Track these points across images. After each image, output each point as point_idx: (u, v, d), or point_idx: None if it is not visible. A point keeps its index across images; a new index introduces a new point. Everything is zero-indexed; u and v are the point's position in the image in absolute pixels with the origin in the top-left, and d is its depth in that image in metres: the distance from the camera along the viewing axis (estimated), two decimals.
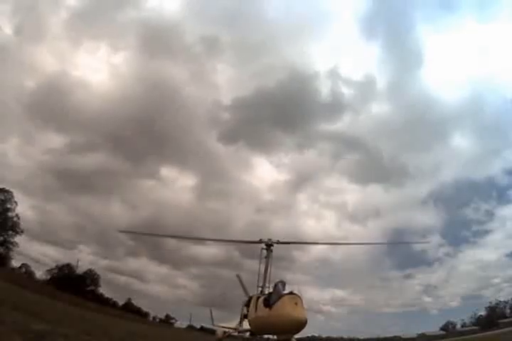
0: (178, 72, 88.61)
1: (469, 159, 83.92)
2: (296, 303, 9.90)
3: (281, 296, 10.41)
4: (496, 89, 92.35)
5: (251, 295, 14.05)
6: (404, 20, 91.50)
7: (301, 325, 9.88)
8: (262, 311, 11.17)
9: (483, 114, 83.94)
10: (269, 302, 10.91)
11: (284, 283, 11.36)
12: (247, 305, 13.35)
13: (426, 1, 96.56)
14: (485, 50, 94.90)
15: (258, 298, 12.42)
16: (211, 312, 21.80)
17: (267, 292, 12.82)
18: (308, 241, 15.18)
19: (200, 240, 17.24)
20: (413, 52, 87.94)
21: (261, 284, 13.44)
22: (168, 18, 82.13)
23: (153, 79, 79.75)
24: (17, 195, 43.76)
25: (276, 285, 11.25)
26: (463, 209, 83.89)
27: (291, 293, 10.37)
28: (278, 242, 14.17)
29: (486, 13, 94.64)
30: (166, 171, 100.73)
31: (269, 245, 14.00)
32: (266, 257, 13.92)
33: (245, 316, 13.50)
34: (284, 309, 9.96)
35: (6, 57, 67.65)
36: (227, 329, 16.16)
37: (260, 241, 14.16)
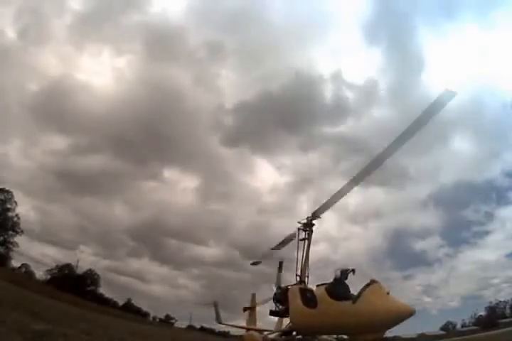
0: (182, 75, 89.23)
1: (469, 161, 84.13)
2: (388, 293, 8.32)
3: (368, 285, 8.48)
4: (495, 93, 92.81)
5: (284, 285, 11.83)
6: (406, 25, 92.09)
7: (406, 318, 8.04)
8: (332, 305, 8.91)
9: (482, 118, 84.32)
10: (339, 293, 8.99)
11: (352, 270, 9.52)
12: (281, 299, 11.27)
13: (427, 7, 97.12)
14: (485, 55, 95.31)
15: (304, 290, 10.31)
16: (216, 308, 18.34)
17: (307, 282, 10.96)
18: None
19: None
20: (415, 57, 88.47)
21: (299, 272, 11.16)
22: (172, 23, 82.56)
23: (157, 83, 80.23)
24: (20, 196, 44.29)
25: (342, 273, 9.42)
26: (463, 211, 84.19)
27: (374, 281, 8.59)
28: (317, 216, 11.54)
29: (486, 18, 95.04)
30: (169, 173, 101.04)
31: (307, 224, 11.63)
32: (304, 239, 11.55)
33: (274, 313, 11.69)
34: (384, 301, 8.09)
35: (9, 60, 68.00)
36: (257, 333, 13.30)
37: (298, 223, 11.78)
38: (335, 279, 9.56)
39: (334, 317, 8.78)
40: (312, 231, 11.64)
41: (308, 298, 10.01)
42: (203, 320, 63.40)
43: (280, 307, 11.56)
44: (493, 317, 48.78)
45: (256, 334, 13.00)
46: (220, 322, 17.81)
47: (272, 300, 12.01)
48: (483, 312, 54.17)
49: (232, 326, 16.49)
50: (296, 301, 10.18)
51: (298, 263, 11.26)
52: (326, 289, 9.42)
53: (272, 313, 11.93)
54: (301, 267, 11.20)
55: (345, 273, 9.47)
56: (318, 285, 10.09)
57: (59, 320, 10.37)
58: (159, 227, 77.49)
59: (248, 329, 14.79)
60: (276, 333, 12.05)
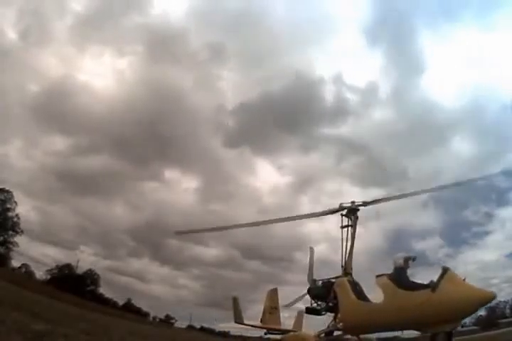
0: (183, 77, 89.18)
1: (469, 163, 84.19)
2: (464, 279, 8.02)
3: (444, 273, 8.06)
4: (495, 95, 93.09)
5: (319, 279, 11.01)
6: (407, 28, 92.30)
7: (489, 303, 7.91)
8: (406, 296, 8.13)
9: (482, 120, 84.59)
10: (408, 283, 8.41)
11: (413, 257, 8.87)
12: (321, 294, 10.35)
13: (428, 9, 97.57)
14: (485, 57, 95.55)
15: (354, 283, 9.64)
16: (236, 304, 14.01)
17: (353, 273, 10.34)
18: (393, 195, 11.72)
19: (273, 222, 12.95)
20: (415, 60, 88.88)
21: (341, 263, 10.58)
22: (174, 25, 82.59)
23: (158, 84, 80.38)
24: (21, 196, 44.29)
25: (405, 261, 8.82)
26: (463, 212, 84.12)
27: (447, 268, 8.18)
28: (364, 203, 11.07)
29: (486, 21, 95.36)
30: (170, 174, 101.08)
31: (352, 210, 11.02)
32: (348, 226, 10.82)
33: (312, 311, 10.64)
34: (465, 287, 7.76)
35: (10, 61, 68.02)
36: (308, 333, 11.36)
37: (341, 208, 11.14)
38: (397, 268, 8.81)
39: (408, 310, 7.98)
40: (357, 217, 10.89)
41: (360, 291, 9.39)
42: (203, 320, 63.56)
43: (319, 303, 10.58)
44: (493, 317, 48.73)
45: (306, 334, 11.15)
46: (240, 322, 14.04)
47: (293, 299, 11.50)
48: (483, 312, 54.19)
49: (254, 326, 13.97)
50: (348, 295, 9.31)
51: (342, 254, 10.52)
52: (392, 279, 8.58)
53: (310, 311, 10.80)
54: (345, 257, 10.44)
55: (407, 261, 8.82)
56: (378, 276, 9.21)
57: (59, 320, 10.36)
58: (160, 227, 77.54)
59: (282, 331, 13.04)
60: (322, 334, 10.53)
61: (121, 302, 57.30)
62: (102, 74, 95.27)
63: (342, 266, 10.56)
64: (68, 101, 77.69)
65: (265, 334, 14.37)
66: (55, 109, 75.35)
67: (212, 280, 75.15)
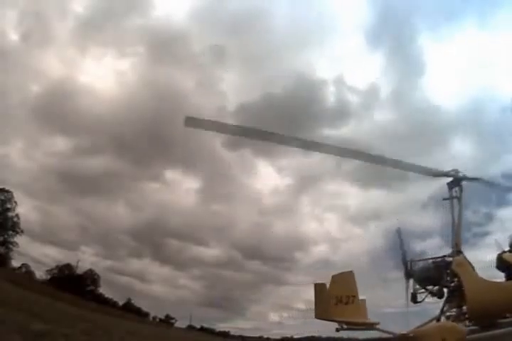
0: (185, 78, 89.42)
1: (469, 164, 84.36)
2: None
3: None
4: (495, 96, 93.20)
5: (416, 259, 9.84)
6: (408, 29, 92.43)
7: None
8: None
9: (482, 120, 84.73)
10: None
11: None
12: (431, 277, 9.22)
13: (429, 11, 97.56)
14: (485, 58, 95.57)
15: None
16: (323, 290, 10.00)
17: (462, 250, 9.33)
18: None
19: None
20: (415, 61, 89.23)
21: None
22: (176, 27, 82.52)
23: (160, 85, 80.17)
24: (22, 197, 44.23)
25: None
26: (462, 212, 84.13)
27: None
28: (465, 177, 10.02)
29: (486, 22, 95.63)
30: (171, 175, 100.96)
31: (457, 179, 10.00)
32: (451, 198, 9.89)
33: (415, 298, 9.36)
34: None
35: (12, 62, 68.03)
36: (455, 323, 9.10)
37: (447, 175, 10.07)
38: None
39: None
40: (462, 190, 9.91)
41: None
42: (203, 320, 63.60)
43: (429, 288, 9.38)
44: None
45: (453, 325, 9.13)
46: (327, 318, 10.44)
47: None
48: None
49: (348, 323, 10.08)
50: (473, 275, 8.38)
51: (451, 230, 9.42)
52: None
53: (415, 298, 9.48)
54: (456, 234, 9.46)
55: None
56: (503, 252, 8.61)
57: (59, 320, 10.37)
58: (161, 228, 77.55)
59: (366, 325, 10.24)
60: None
61: (121, 303, 57.36)
62: (104, 75, 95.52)
63: (456, 244, 9.39)
64: (69, 102, 77.55)
65: (337, 330, 10.70)
66: (57, 110, 75.32)
67: (213, 280, 75.24)
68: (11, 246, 42.49)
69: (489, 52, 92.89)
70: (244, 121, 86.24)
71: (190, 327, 61.52)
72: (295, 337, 62.20)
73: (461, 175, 10.06)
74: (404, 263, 10.21)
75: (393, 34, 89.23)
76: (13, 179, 55.12)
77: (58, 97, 74.72)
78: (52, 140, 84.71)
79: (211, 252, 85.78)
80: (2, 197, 42.16)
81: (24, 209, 46.95)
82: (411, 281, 9.87)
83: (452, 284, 8.96)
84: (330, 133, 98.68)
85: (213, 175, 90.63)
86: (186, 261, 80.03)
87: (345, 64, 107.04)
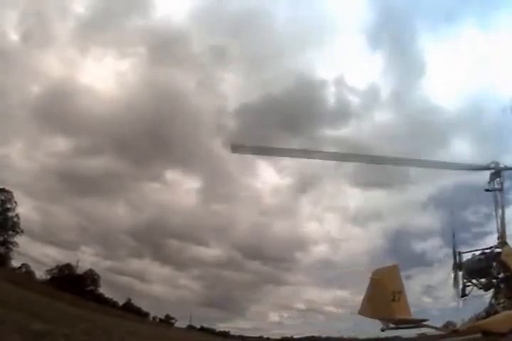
0: (185, 79, 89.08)
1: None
2: None
3: None
4: (495, 97, 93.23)
5: (466, 251, 9.51)
6: (408, 30, 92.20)
7: None
8: None
9: (482, 122, 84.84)
10: None
11: None
12: (481, 268, 8.90)
13: (429, 12, 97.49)
14: (485, 59, 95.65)
15: None
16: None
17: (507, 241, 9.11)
18: None
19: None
20: (415, 62, 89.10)
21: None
22: (176, 27, 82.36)
23: (160, 86, 79.85)
24: (22, 197, 44.17)
25: None
26: (462, 212, 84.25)
27: None
28: (507, 168, 10.15)
29: (486, 23, 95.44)
30: (171, 175, 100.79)
31: (498, 171, 10.13)
32: (494, 189, 9.98)
33: (465, 292, 8.99)
34: None
35: (12, 62, 67.91)
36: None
37: (487, 168, 10.16)
38: None
39: None
40: (502, 182, 9.86)
41: None
42: (203, 320, 63.57)
43: (478, 281, 9.02)
44: None
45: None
46: (379, 316, 9.65)
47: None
48: (482, 312, 54.12)
49: (398, 321, 9.60)
50: None
51: (496, 221, 9.38)
52: None
53: (465, 292, 9.14)
54: (501, 224, 9.46)
55: None
56: None
57: (59, 320, 10.39)
58: (161, 228, 77.52)
59: (414, 322, 9.88)
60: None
61: (121, 302, 57.34)
62: (104, 75, 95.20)
63: (502, 235, 9.33)
64: (70, 103, 77.45)
65: (382, 330, 10.04)
66: (57, 110, 75.22)
67: (213, 280, 75.18)
68: (11, 246, 42.50)
69: (489, 52, 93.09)
70: (244, 122, 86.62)
71: (190, 327, 61.50)
72: (295, 337, 62.37)
73: (501, 166, 10.02)
74: (454, 255, 9.92)
75: (393, 34, 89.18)
76: (13, 179, 55.07)
77: (58, 97, 74.62)
78: (53, 140, 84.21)
79: (211, 252, 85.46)
80: (2, 197, 42.19)
81: (24, 209, 46.86)
82: (460, 274, 9.59)
83: (500, 275, 8.88)
84: (330, 133, 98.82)
85: (214, 175, 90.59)
86: (186, 261, 79.90)
87: (346, 64, 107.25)
